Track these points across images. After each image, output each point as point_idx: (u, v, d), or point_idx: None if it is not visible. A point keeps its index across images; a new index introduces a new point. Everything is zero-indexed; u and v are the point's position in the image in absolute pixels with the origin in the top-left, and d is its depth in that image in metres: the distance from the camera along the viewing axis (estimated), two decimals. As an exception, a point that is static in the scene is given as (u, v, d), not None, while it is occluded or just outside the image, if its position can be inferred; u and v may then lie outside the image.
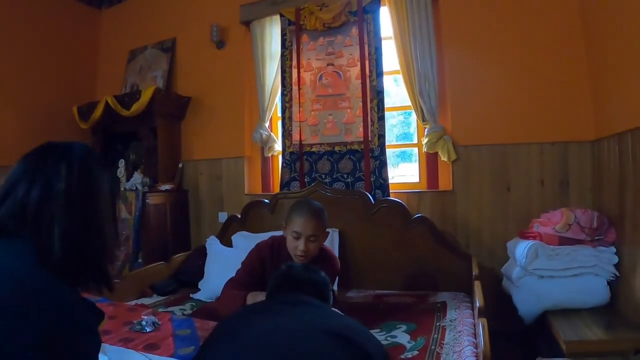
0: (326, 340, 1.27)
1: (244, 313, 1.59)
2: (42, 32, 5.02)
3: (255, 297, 2.25)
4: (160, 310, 2.89)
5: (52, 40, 5.13)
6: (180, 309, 3.05)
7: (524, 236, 3.01)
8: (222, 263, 3.45)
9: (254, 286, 2.44)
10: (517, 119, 3.46)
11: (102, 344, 1.21)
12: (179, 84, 4.90)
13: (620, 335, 2.34)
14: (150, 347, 1.94)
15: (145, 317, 2.26)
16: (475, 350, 2.02)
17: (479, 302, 2.27)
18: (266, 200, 3.99)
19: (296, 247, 2.36)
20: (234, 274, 2.59)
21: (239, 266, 2.62)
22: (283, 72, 4.17)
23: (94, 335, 0.93)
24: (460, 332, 2.36)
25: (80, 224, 1.02)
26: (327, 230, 2.54)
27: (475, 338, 2.15)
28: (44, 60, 5.02)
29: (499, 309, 3.11)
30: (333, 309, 1.75)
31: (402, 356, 2.11)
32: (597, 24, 3.06)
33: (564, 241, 2.82)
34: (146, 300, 3.30)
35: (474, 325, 2.35)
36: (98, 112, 4.68)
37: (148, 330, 2.15)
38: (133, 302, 3.17)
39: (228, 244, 3.84)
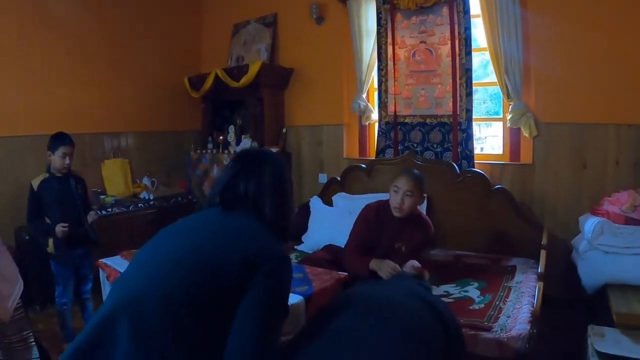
0: (412, 300, 1.79)
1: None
2: (151, 9, 5.62)
3: (377, 263, 2.73)
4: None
5: (161, 16, 5.74)
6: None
7: (594, 213, 3.24)
8: (324, 220, 4.02)
9: (368, 246, 2.97)
10: (596, 100, 3.64)
11: None
12: (281, 56, 5.39)
13: (668, 315, 2.52)
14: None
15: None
16: (531, 309, 2.43)
17: (541, 268, 2.66)
18: (363, 165, 4.47)
19: (394, 200, 2.87)
20: (335, 231, 3.11)
21: (339, 223, 3.14)
22: (379, 48, 4.53)
23: (290, 262, 1.55)
24: (522, 292, 2.79)
25: (279, 203, 1.63)
26: (425, 195, 3.00)
27: (534, 299, 2.54)
28: (154, 35, 5.65)
29: (569, 278, 3.35)
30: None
31: (470, 307, 2.60)
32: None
33: (629, 221, 3.02)
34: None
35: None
36: (208, 83, 5.29)
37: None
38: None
39: (328, 203, 4.41)
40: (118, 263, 3.02)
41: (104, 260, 3.12)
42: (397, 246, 2.88)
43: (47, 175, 3.40)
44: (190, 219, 1.67)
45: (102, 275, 3.12)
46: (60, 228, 3.28)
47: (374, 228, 2.99)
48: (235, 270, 1.37)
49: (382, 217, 2.98)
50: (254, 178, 1.62)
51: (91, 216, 3.49)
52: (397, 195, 2.85)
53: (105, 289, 3.12)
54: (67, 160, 3.36)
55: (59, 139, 3.37)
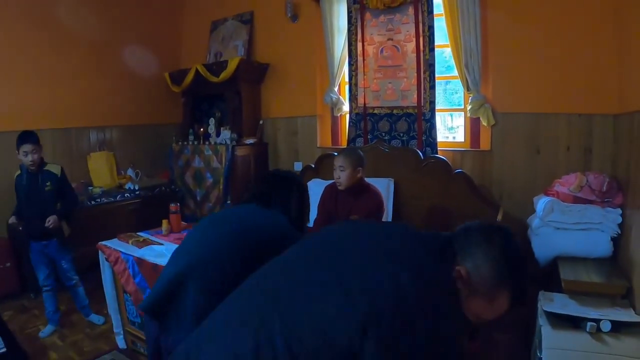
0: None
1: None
2: (132, 6, 5.90)
3: None
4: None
5: (142, 14, 6.03)
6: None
7: (546, 193, 3.51)
8: (301, 204, 4.30)
9: (329, 220, 3.40)
10: (549, 92, 3.93)
11: None
12: (258, 52, 5.69)
13: (611, 281, 2.77)
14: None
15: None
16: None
17: (494, 239, 2.99)
18: (335, 153, 4.70)
19: (334, 176, 3.33)
20: (310, 214, 3.44)
21: (314, 206, 3.49)
22: (349, 44, 4.85)
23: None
24: (479, 261, 3.11)
25: (299, 209, 2.25)
26: (360, 169, 3.32)
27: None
28: (135, 32, 5.93)
29: (526, 255, 3.51)
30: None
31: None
32: (627, 9, 3.31)
33: (577, 200, 3.28)
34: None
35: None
36: (189, 78, 5.57)
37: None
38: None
39: (304, 188, 4.68)
40: (117, 244, 3.34)
41: (103, 242, 3.43)
42: (351, 217, 3.26)
43: (20, 171, 3.68)
44: (235, 209, 2.32)
45: (101, 257, 3.41)
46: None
47: (331, 203, 3.45)
48: (273, 244, 1.84)
49: (336, 194, 3.43)
50: (284, 191, 2.23)
51: (51, 220, 3.63)
52: (335, 172, 3.30)
53: (105, 268, 3.42)
54: (30, 158, 3.56)
55: (20, 139, 3.59)
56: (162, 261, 2.90)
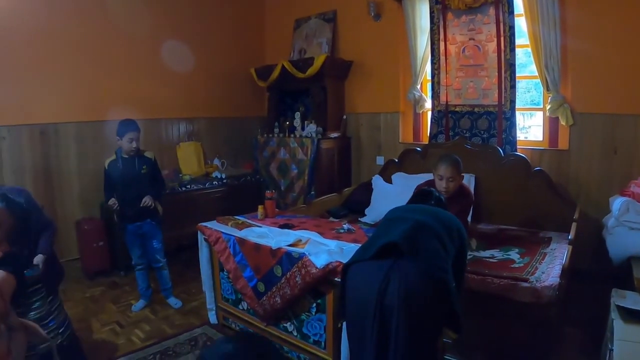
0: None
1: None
2: (219, 6, 6.29)
3: None
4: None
5: (228, 13, 6.41)
6: (353, 228, 4.21)
7: (622, 194, 3.58)
8: (385, 195, 4.65)
9: None
10: (627, 93, 4.02)
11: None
12: (341, 50, 5.97)
13: (684, 281, 2.83)
14: (354, 240, 3.13)
15: (345, 225, 3.52)
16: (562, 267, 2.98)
17: (571, 236, 3.19)
18: (418, 149, 5.05)
19: (440, 186, 3.40)
20: (394, 206, 3.69)
21: (398, 198, 3.68)
22: (432, 44, 5.05)
23: None
24: (556, 256, 3.32)
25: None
26: (463, 174, 3.49)
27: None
28: (222, 30, 6.34)
29: (600, 254, 3.61)
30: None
31: (512, 265, 3.18)
32: None
33: None
34: (327, 221, 4.43)
35: (567, 252, 3.23)
36: (275, 73, 5.92)
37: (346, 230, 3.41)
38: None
39: (388, 181, 5.00)
40: (217, 226, 3.67)
41: (203, 224, 3.74)
42: None
43: (114, 156, 3.95)
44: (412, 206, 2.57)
45: (200, 237, 3.74)
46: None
47: None
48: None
49: None
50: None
51: (147, 200, 3.94)
52: (442, 182, 3.37)
53: (202, 248, 3.75)
54: (134, 144, 3.84)
55: (125, 126, 3.85)
56: (264, 241, 3.20)
